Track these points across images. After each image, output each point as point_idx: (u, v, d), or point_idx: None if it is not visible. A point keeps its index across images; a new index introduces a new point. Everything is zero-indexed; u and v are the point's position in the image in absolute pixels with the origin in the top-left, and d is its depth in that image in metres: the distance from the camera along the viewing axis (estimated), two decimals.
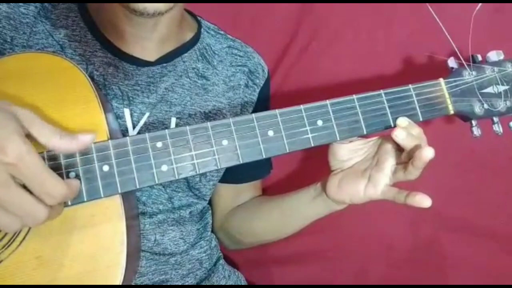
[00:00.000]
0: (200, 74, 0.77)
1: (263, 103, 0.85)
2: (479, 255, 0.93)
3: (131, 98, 0.71)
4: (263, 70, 0.85)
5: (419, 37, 0.90)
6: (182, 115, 0.75)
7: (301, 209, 0.77)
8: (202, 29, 0.81)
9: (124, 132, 0.70)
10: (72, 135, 0.51)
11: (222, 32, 0.84)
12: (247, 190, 0.89)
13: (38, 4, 0.70)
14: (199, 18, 0.82)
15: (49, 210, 0.48)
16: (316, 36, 0.97)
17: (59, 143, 0.50)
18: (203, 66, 0.78)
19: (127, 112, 0.71)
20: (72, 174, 0.54)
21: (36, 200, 0.47)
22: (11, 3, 0.68)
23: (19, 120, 0.48)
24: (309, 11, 0.96)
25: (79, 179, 0.54)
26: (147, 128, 0.72)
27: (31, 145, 0.47)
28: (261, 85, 0.84)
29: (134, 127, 0.71)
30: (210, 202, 0.90)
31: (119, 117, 0.70)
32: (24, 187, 0.47)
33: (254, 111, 0.83)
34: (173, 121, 0.74)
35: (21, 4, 0.69)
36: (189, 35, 0.79)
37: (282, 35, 0.98)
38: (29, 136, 0.48)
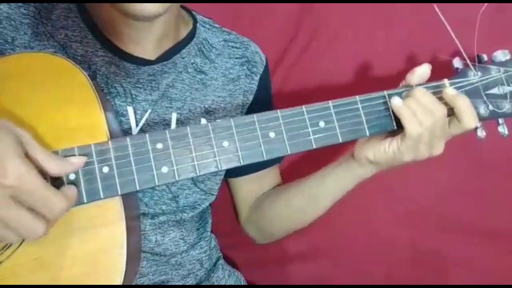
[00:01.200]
0: (198, 69, 0.77)
1: (264, 90, 0.85)
2: (481, 255, 0.93)
3: (134, 96, 0.71)
4: (260, 58, 0.85)
5: (420, 37, 0.90)
6: (183, 110, 0.75)
7: (327, 182, 0.75)
8: (198, 24, 0.80)
9: (128, 130, 0.70)
10: (65, 159, 0.53)
11: (217, 26, 0.83)
12: (267, 178, 0.88)
13: (37, 5, 0.70)
14: (193, 13, 0.82)
15: (47, 225, 0.49)
16: (316, 36, 0.97)
17: (54, 167, 0.51)
18: (201, 61, 0.78)
19: (130, 110, 0.71)
20: (72, 175, 0.54)
21: (35, 217, 0.48)
22: (11, 4, 0.68)
23: (19, 138, 0.48)
24: (309, 11, 0.96)
25: (79, 180, 0.54)
26: (148, 124, 0.72)
27: (30, 164, 0.48)
28: (260, 72, 0.84)
29: (137, 125, 0.71)
30: (233, 202, 0.90)
31: (122, 115, 0.70)
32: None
33: (255, 98, 0.83)
34: (174, 116, 0.74)
35: (21, 4, 0.69)
36: (185, 31, 0.78)
37: (282, 35, 0.98)
38: (26, 156, 0.49)
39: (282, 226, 0.86)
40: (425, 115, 0.60)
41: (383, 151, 0.64)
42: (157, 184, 0.56)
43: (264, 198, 0.87)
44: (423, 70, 0.65)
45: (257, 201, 0.87)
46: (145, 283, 0.74)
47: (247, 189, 0.88)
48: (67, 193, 0.51)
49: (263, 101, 0.84)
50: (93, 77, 0.68)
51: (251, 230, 0.90)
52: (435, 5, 0.65)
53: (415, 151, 0.62)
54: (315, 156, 0.89)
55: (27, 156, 0.49)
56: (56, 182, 0.53)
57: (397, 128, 0.63)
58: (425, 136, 0.61)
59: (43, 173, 0.50)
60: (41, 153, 0.50)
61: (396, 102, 0.61)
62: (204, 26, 0.81)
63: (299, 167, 0.97)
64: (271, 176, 0.88)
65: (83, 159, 0.54)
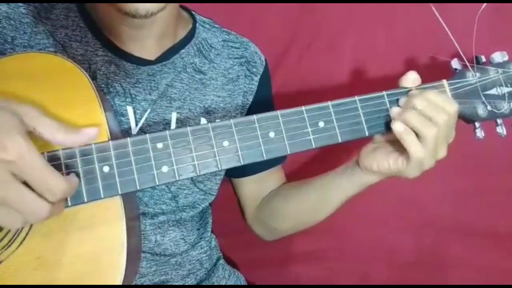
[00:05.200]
0: (197, 69, 0.77)
1: (264, 91, 0.85)
2: (481, 256, 0.93)
3: (133, 96, 0.71)
4: (260, 58, 0.85)
5: (421, 37, 0.91)
6: (182, 110, 0.75)
7: (336, 184, 0.75)
8: (197, 24, 0.81)
9: (128, 130, 0.70)
10: (76, 129, 0.52)
11: (217, 26, 0.84)
12: (270, 178, 0.87)
13: (37, 4, 0.70)
14: (193, 13, 0.82)
15: (51, 206, 0.49)
16: (316, 36, 0.97)
17: (64, 138, 0.51)
18: (200, 61, 0.78)
19: (130, 110, 0.71)
20: (73, 175, 0.54)
21: (37, 196, 0.47)
22: (11, 4, 0.68)
23: (21, 117, 0.48)
24: (309, 11, 0.96)
25: (79, 179, 0.54)
26: (148, 124, 0.72)
27: (31, 142, 0.47)
28: (260, 73, 0.84)
29: (137, 125, 0.71)
30: (238, 201, 0.91)
31: (122, 115, 0.70)
32: (25, 183, 0.47)
33: (256, 99, 0.83)
34: (174, 116, 0.74)
35: (20, 4, 0.69)
36: (185, 31, 0.79)
37: (282, 35, 0.99)
38: (30, 133, 0.49)
39: (292, 224, 0.86)
40: (424, 125, 0.60)
41: (387, 166, 0.65)
42: (157, 183, 0.56)
43: (273, 196, 0.86)
44: (413, 77, 0.65)
45: (264, 200, 0.87)
46: (145, 283, 0.74)
47: (252, 189, 0.88)
48: (70, 179, 0.51)
49: (264, 101, 0.84)
50: (93, 76, 0.69)
51: (258, 228, 0.90)
52: (432, 5, 0.65)
53: (419, 169, 0.63)
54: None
55: (31, 133, 0.49)
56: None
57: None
58: (428, 158, 0.62)
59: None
60: (48, 126, 0.50)
61: (397, 128, 0.61)
62: (203, 26, 0.82)
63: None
64: (275, 176, 0.88)
65: (96, 130, 0.53)
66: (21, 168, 0.46)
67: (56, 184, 0.48)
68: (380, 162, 0.66)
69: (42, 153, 0.52)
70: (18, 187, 0.46)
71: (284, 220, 0.84)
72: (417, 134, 0.61)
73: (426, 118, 0.60)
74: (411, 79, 0.64)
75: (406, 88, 0.64)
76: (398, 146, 0.64)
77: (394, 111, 0.62)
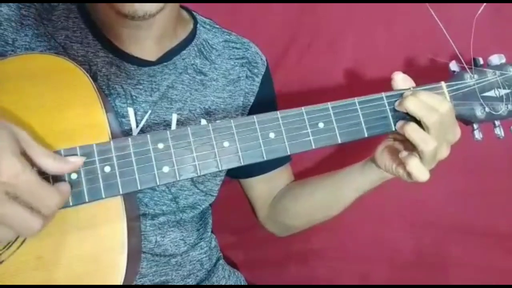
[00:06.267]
0: (198, 70, 0.77)
1: (266, 91, 0.85)
2: (482, 256, 0.93)
3: (134, 97, 0.71)
4: (261, 59, 0.85)
5: (420, 38, 0.91)
6: (183, 111, 0.75)
7: (349, 180, 0.76)
8: (198, 25, 0.81)
9: (128, 131, 0.71)
10: (64, 158, 0.53)
11: (217, 26, 0.84)
12: (279, 177, 0.87)
13: (38, 6, 0.70)
14: (194, 13, 0.83)
15: (43, 220, 0.49)
16: (316, 36, 0.97)
17: (52, 165, 0.51)
18: (201, 62, 0.78)
19: (131, 111, 0.71)
20: (74, 175, 0.54)
21: (31, 213, 0.48)
22: (12, 5, 0.68)
23: (16, 136, 0.49)
24: (309, 11, 0.96)
25: (81, 179, 0.54)
26: (148, 125, 0.72)
27: (26, 162, 0.48)
28: (262, 73, 0.84)
29: (137, 126, 0.71)
30: (248, 200, 0.91)
31: (123, 116, 0.70)
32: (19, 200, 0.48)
33: (258, 100, 0.83)
34: (174, 117, 0.74)
35: (21, 5, 0.69)
36: (186, 31, 0.79)
37: (282, 35, 0.99)
38: (24, 154, 0.49)
39: (305, 221, 0.86)
40: (423, 142, 0.61)
41: (391, 169, 0.68)
42: (158, 183, 0.56)
43: (283, 196, 0.87)
44: (399, 77, 0.65)
45: (275, 199, 0.88)
46: (146, 284, 0.75)
47: (262, 189, 0.88)
48: (60, 188, 0.52)
49: (266, 102, 0.85)
50: (94, 78, 0.68)
51: (271, 226, 0.91)
52: (428, 6, 0.66)
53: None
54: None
55: (24, 154, 0.49)
56: (57, 180, 0.53)
57: (395, 129, 0.63)
58: (428, 169, 0.63)
59: (42, 173, 0.51)
60: (38, 152, 0.50)
61: (402, 155, 0.64)
62: (204, 27, 0.82)
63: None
64: (283, 174, 0.88)
65: (82, 159, 0.54)
66: (16, 188, 0.47)
67: (51, 200, 0.50)
68: (386, 164, 0.68)
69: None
70: (12, 206, 0.47)
71: (297, 218, 0.85)
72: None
73: (425, 134, 0.61)
74: (398, 79, 0.65)
75: (403, 89, 0.64)
76: (403, 146, 0.66)
77: (398, 125, 0.64)
